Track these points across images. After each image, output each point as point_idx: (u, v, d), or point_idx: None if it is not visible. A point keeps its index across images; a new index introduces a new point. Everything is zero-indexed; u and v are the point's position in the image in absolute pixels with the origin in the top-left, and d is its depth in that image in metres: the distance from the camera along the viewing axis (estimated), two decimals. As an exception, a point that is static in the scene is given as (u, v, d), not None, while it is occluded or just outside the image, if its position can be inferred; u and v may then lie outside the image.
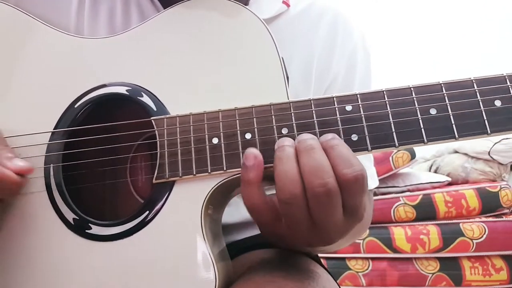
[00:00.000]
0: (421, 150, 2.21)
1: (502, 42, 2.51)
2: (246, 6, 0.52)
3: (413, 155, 1.97)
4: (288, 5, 0.66)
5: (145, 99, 0.51)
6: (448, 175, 2.15)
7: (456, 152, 2.30)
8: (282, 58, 0.50)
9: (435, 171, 2.29)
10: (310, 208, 0.42)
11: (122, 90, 0.52)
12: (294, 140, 0.44)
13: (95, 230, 0.49)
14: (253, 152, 0.44)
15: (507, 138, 2.05)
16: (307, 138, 0.43)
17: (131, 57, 0.53)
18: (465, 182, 2.10)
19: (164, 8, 0.55)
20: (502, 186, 1.90)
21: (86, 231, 0.49)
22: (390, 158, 1.92)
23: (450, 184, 2.05)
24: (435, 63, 2.52)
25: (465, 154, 2.21)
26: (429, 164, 2.41)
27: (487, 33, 2.57)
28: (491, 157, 2.08)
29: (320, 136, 0.45)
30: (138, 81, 0.52)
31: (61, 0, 0.61)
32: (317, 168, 0.41)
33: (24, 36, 0.56)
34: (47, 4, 0.60)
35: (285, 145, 0.43)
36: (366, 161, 0.72)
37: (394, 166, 1.93)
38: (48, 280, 0.48)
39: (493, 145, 2.06)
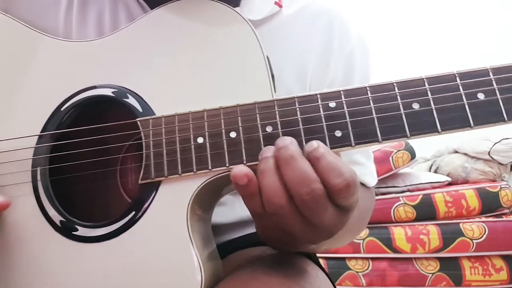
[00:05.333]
0: (421, 150, 2.21)
1: (503, 41, 2.51)
2: (231, 6, 0.52)
3: (413, 155, 1.96)
4: (280, 6, 0.65)
5: (131, 100, 0.51)
6: (448, 175, 2.15)
7: (456, 152, 2.29)
8: (267, 57, 0.50)
9: (435, 171, 2.28)
10: (301, 212, 0.42)
11: (108, 92, 0.52)
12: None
13: (82, 231, 0.49)
14: (242, 171, 0.42)
15: (507, 138, 2.04)
16: (284, 145, 0.42)
17: (117, 59, 0.53)
18: (465, 182, 2.10)
19: (151, 9, 0.55)
20: (502, 186, 1.90)
21: (73, 233, 0.49)
22: (390, 158, 1.92)
23: (450, 184, 2.04)
24: (435, 61, 2.51)
25: (465, 154, 2.21)
26: (429, 164, 2.40)
27: (488, 32, 2.57)
28: (491, 157, 2.07)
29: (304, 134, 0.45)
30: (124, 83, 0.52)
31: (49, 5, 0.61)
32: (301, 177, 0.40)
33: (11, 41, 0.57)
34: (35, 10, 0.60)
35: (266, 157, 0.42)
36: (365, 159, 0.71)
37: (394, 166, 1.92)
38: (35, 282, 0.48)
39: (493, 145, 2.05)
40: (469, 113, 0.43)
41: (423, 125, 0.43)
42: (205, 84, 0.50)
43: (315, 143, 0.42)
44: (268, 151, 0.43)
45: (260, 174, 0.42)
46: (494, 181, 2.04)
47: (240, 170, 0.42)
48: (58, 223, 0.49)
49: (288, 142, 0.42)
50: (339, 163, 0.41)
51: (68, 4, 0.61)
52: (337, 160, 0.41)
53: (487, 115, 0.43)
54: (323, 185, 0.41)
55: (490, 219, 1.82)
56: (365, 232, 1.75)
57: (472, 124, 0.42)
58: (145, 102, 0.51)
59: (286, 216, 0.42)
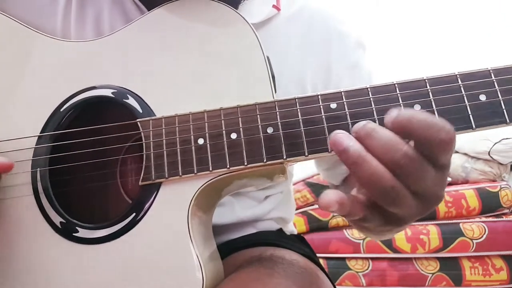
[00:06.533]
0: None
1: (505, 42, 2.50)
2: (230, 7, 0.52)
3: (413, 156, 1.95)
4: (278, 9, 0.66)
5: (131, 101, 0.51)
6: (448, 175, 2.14)
7: (456, 152, 2.28)
8: (268, 57, 0.50)
9: (435, 171, 2.27)
10: (406, 184, 0.38)
11: (108, 92, 0.52)
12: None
13: (82, 233, 0.48)
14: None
15: (507, 138, 2.04)
16: (361, 124, 0.38)
17: (117, 59, 0.53)
18: (465, 182, 2.09)
19: (148, 10, 0.55)
20: (502, 186, 1.89)
21: (73, 234, 0.49)
22: (391, 159, 1.91)
23: (450, 184, 2.03)
24: (438, 64, 2.51)
25: (465, 154, 2.20)
26: (429, 164, 2.39)
27: (490, 33, 2.56)
28: (491, 157, 2.06)
29: (305, 135, 0.44)
30: (123, 83, 0.52)
31: (47, 5, 0.61)
32: (387, 143, 0.37)
33: (10, 41, 0.57)
34: (33, 9, 0.60)
35: (347, 146, 0.38)
36: None
37: (395, 166, 1.92)
38: (36, 283, 0.48)
39: (493, 145, 2.04)
40: (470, 115, 0.42)
41: (424, 126, 0.42)
42: (205, 85, 0.50)
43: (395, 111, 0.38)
44: (347, 139, 0.38)
45: (353, 166, 0.38)
46: (494, 181, 2.04)
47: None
48: (58, 224, 0.49)
49: (363, 123, 0.39)
50: (435, 118, 0.37)
51: (66, 4, 0.61)
52: (431, 116, 0.37)
53: (489, 116, 0.42)
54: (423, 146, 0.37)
55: (490, 219, 1.81)
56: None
57: (473, 126, 0.42)
58: (145, 102, 0.51)
59: (398, 195, 0.38)
